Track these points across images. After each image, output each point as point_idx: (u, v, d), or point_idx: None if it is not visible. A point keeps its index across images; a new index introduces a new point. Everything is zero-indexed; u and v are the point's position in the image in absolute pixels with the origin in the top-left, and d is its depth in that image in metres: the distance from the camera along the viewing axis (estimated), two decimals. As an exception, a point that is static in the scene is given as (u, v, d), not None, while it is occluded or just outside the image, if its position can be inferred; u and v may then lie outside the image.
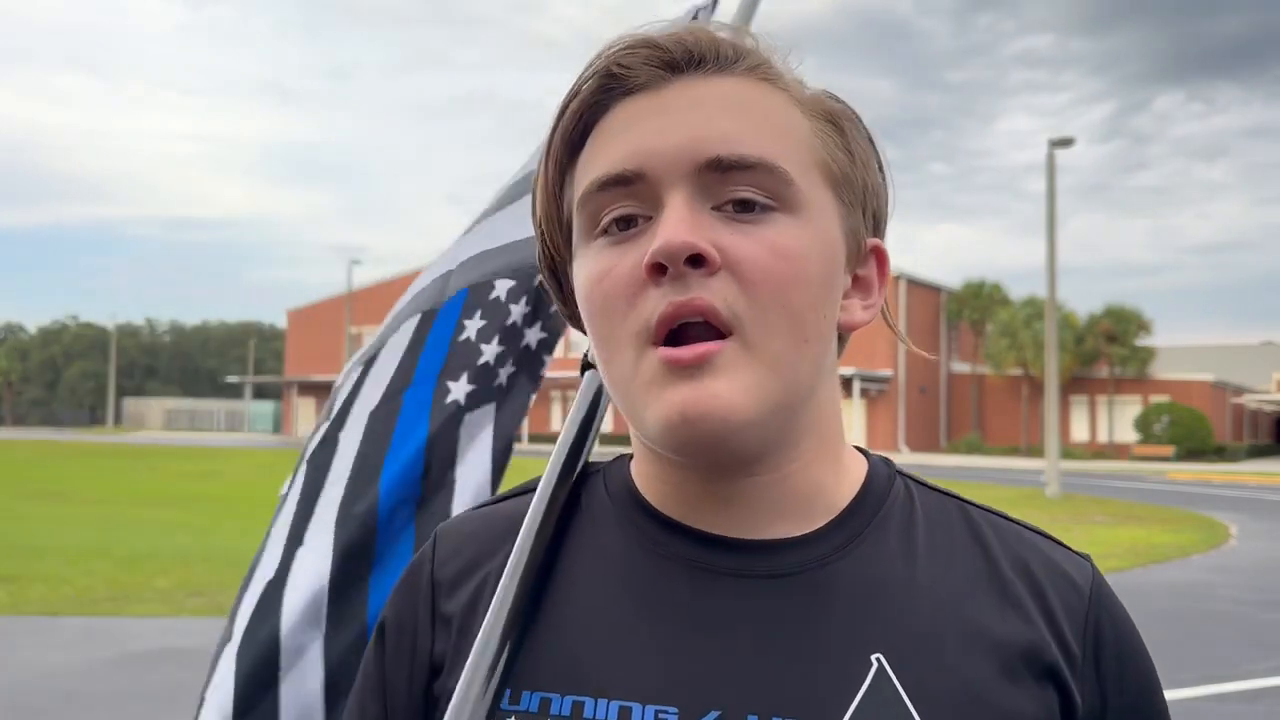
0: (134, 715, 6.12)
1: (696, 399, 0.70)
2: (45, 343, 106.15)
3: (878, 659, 0.73)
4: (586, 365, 0.94)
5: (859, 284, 0.81)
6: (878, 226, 0.82)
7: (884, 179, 0.82)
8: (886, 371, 46.46)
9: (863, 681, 0.72)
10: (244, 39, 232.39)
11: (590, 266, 0.76)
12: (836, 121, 0.79)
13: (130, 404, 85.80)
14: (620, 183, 0.74)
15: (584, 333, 0.83)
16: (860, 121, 0.81)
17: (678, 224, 0.70)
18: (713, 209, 0.73)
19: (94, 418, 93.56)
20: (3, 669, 6.99)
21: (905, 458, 43.28)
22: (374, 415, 1.69)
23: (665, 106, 0.75)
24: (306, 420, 63.60)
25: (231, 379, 72.31)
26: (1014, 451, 46.82)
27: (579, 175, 0.78)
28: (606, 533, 0.82)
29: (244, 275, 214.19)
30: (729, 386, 0.70)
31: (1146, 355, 48.38)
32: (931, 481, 0.86)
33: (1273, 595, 10.44)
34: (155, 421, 79.47)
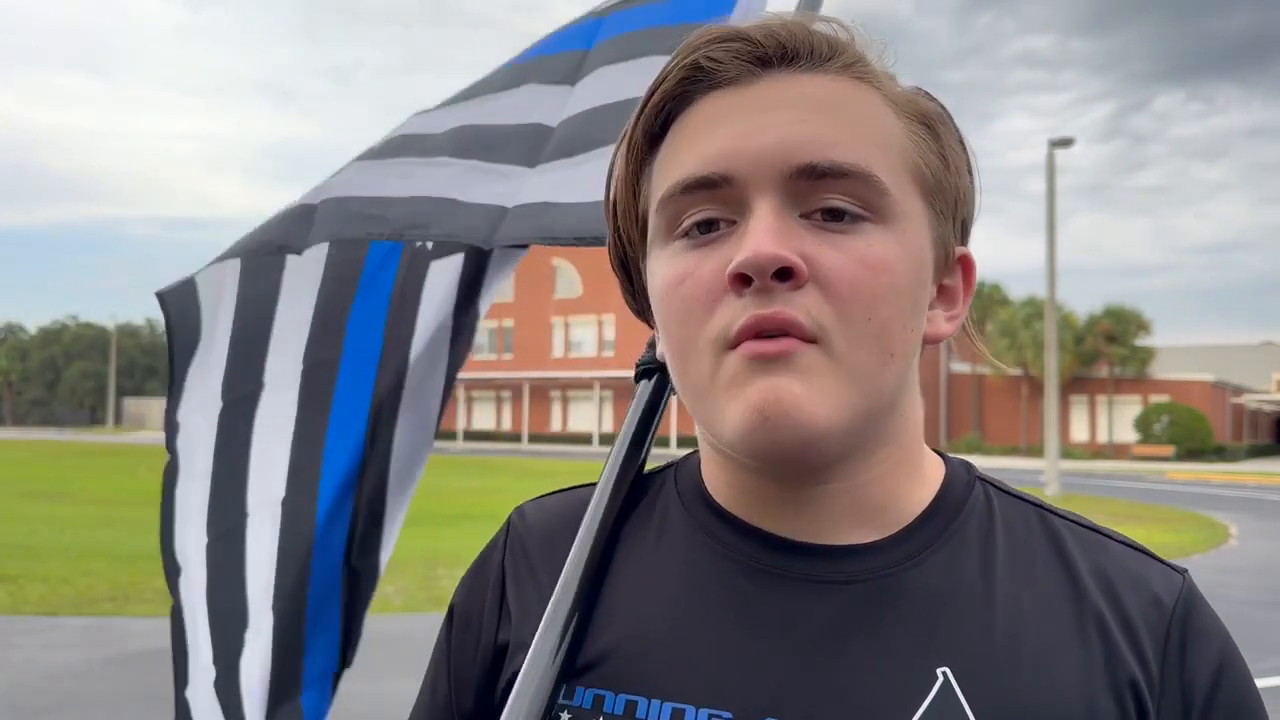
0: (134, 715, 6.12)
1: (777, 396, 0.67)
2: (45, 343, 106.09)
3: (944, 672, 0.70)
4: (641, 374, 0.93)
5: (944, 294, 0.78)
6: (965, 234, 0.79)
7: (973, 182, 0.79)
8: (886, 371, 46.40)
9: (927, 694, 0.69)
10: (244, 39, 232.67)
11: (669, 269, 0.73)
12: (930, 124, 0.76)
13: (130, 404, 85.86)
14: (705, 185, 0.71)
15: (652, 327, 0.82)
16: (952, 121, 0.78)
17: (765, 234, 0.68)
18: (801, 216, 0.70)
19: (94, 418, 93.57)
20: (3, 669, 6.99)
21: (905, 458, 43.17)
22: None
23: (755, 105, 0.71)
24: (306, 420, 63.37)
25: (231, 379, 72.10)
26: (1014, 451, 46.83)
27: (659, 171, 0.75)
28: (673, 530, 0.80)
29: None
30: (807, 390, 0.68)
31: (1146, 355, 48.41)
32: (1013, 487, 0.83)
33: (1273, 595, 10.44)
34: (155, 421, 79.42)
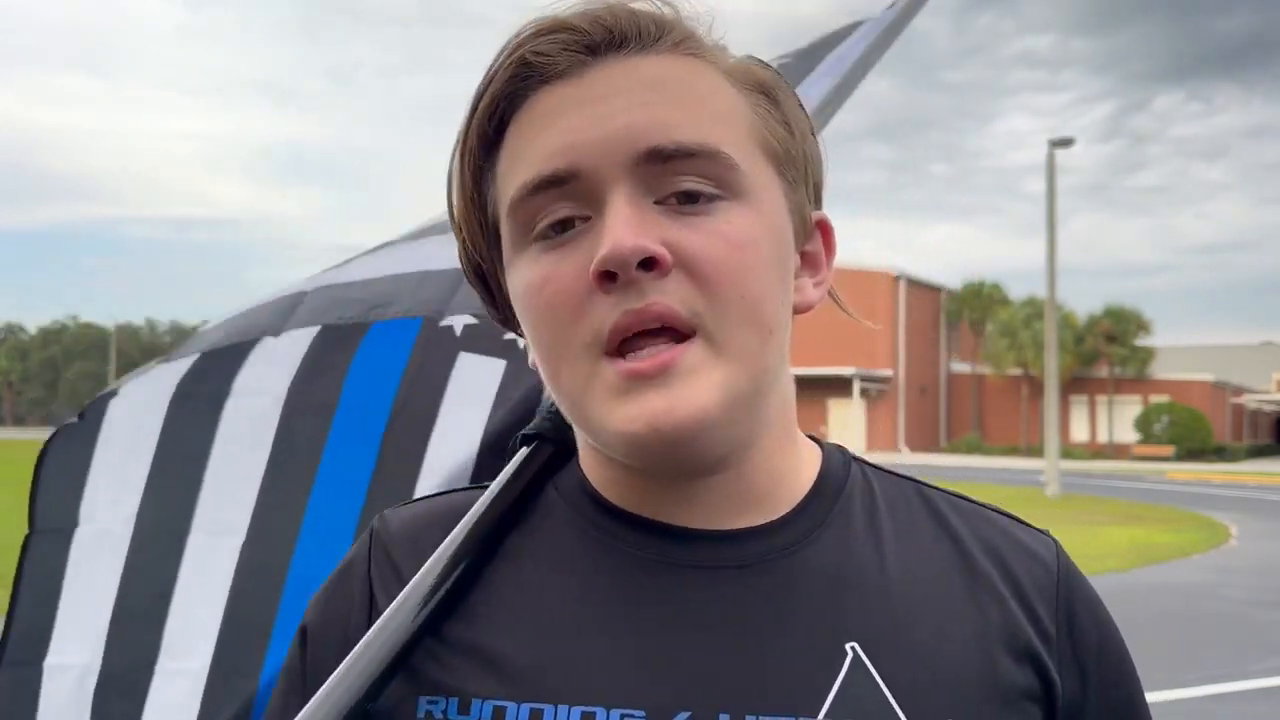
0: (133, 716, 6.10)
1: (668, 408, 0.66)
2: (45, 343, 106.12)
3: (853, 648, 0.70)
4: (522, 442, 0.84)
5: (807, 261, 0.78)
6: (818, 198, 0.79)
7: (818, 144, 0.79)
8: (886, 371, 46.49)
9: (838, 672, 0.69)
10: (244, 39, 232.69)
11: (528, 274, 0.71)
12: (770, 92, 0.75)
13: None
14: (554, 183, 0.69)
15: (520, 335, 0.78)
16: (790, 87, 0.77)
17: (624, 226, 0.66)
18: (656, 202, 0.68)
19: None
20: (2, 669, 6.97)
21: (905, 458, 43.30)
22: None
23: (590, 94, 0.69)
24: (306, 420, 63.43)
25: (231, 379, 72.13)
26: (1014, 451, 46.83)
27: (503, 176, 0.72)
28: (558, 530, 0.77)
29: (244, 275, 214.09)
30: (698, 390, 0.67)
31: (1146, 355, 48.43)
32: (886, 466, 0.84)
33: (1273, 595, 10.44)
34: (155, 421, 79.28)
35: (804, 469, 0.79)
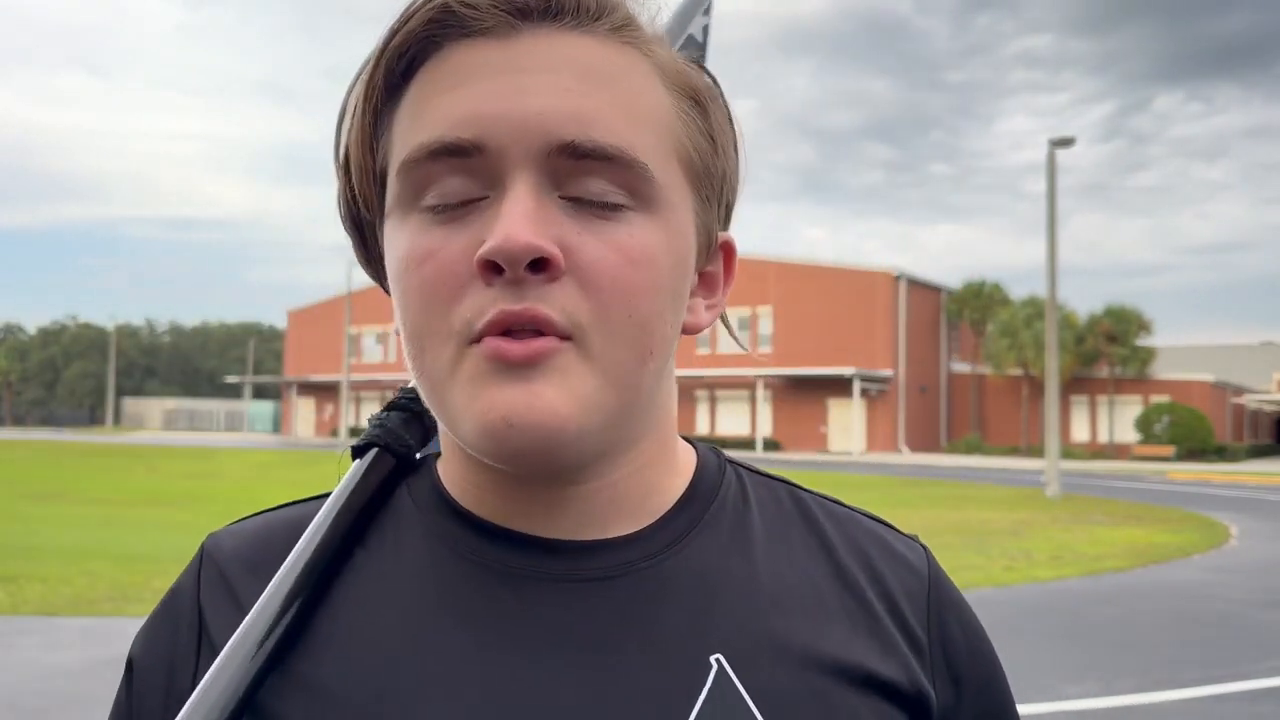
0: (133, 716, 6.11)
1: (527, 403, 0.61)
2: (45, 343, 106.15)
3: (717, 660, 0.67)
4: (364, 449, 0.77)
5: (705, 281, 0.73)
6: (727, 218, 0.74)
7: (739, 161, 0.73)
8: (887, 371, 46.46)
9: (703, 686, 0.66)
10: (244, 39, 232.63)
11: (409, 243, 0.65)
12: (700, 100, 0.70)
13: (130, 404, 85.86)
14: (454, 153, 0.63)
15: (388, 294, 0.72)
16: (720, 94, 0.72)
17: (521, 219, 0.61)
18: (560, 198, 0.63)
19: (93, 418, 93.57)
20: (2, 669, 6.98)
21: (905, 458, 43.30)
22: None
23: (512, 63, 0.63)
24: (306, 420, 63.65)
25: (231, 379, 72.35)
26: (1014, 451, 46.84)
27: (400, 127, 0.66)
28: (410, 542, 0.72)
29: (244, 275, 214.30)
30: (561, 394, 0.62)
31: (1147, 355, 48.41)
32: (762, 468, 0.81)
33: (1273, 595, 10.43)
34: (155, 422, 79.48)
35: (677, 475, 0.75)
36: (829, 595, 0.73)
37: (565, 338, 0.62)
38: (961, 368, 52.37)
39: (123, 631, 8.13)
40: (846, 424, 46.33)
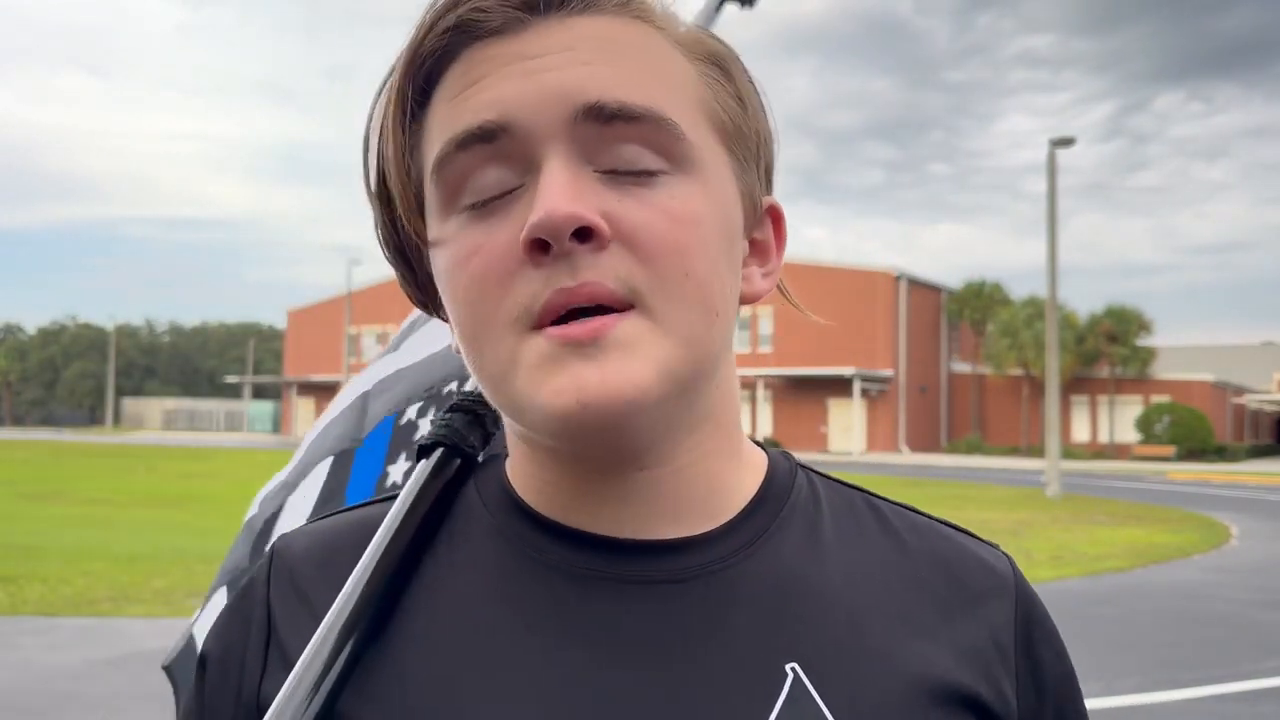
0: (133, 715, 6.11)
1: (600, 380, 0.60)
2: (44, 343, 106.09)
3: (793, 669, 0.65)
4: (430, 449, 0.77)
5: (756, 249, 0.72)
6: (769, 182, 0.72)
7: (770, 124, 0.72)
8: (887, 371, 46.46)
9: (778, 696, 0.64)
10: (244, 39, 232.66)
11: (454, 246, 0.64)
12: (722, 64, 0.69)
13: (129, 404, 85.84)
14: (482, 138, 0.62)
15: (442, 319, 0.73)
16: (741, 62, 0.71)
17: (560, 190, 0.60)
18: (595, 172, 0.62)
19: (93, 418, 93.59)
20: (2, 669, 6.98)
21: (905, 458, 43.31)
22: None
23: (527, 51, 0.63)
24: (305, 420, 63.60)
25: (231, 379, 72.46)
26: (1014, 451, 46.83)
27: (428, 137, 0.66)
28: (479, 543, 0.71)
29: (244, 275, 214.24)
30: (634, 363, 0.60)
31: (1147, 355, 48.42)
32: (835, 475, 0.79)
33: (1273, 595, 10.43)
34: (154, 422, 79.46)
35: (748, 473, 0.73)
36: (908, 605, 0.71)
37: (627, 307, 0.61)
38: (962, 368, 52.38)
39: (122, 631, 8.13)
40: (847, 424, 46.33)
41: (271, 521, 1.55)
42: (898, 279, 47.64)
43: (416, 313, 1.62)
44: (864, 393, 46.26)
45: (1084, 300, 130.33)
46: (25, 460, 32.01)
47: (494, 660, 0.65)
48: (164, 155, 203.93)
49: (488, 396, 0.68)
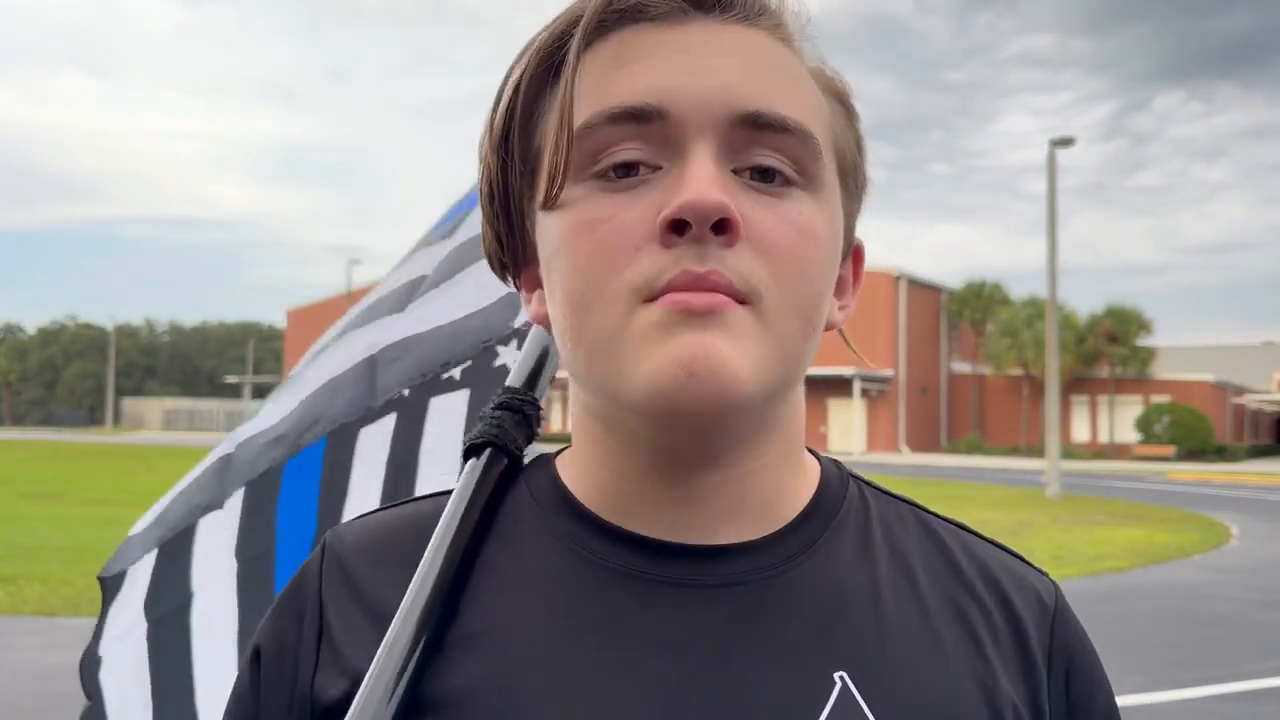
0: (133, 716, 6.11)
1: (706, 352, 0.61)
2: (44, 343, 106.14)
3: (841, 677, 0.66)
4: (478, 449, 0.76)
5: (839, 282, 0.73)
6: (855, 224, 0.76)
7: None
8: (887, 371, 46.45)
9: (826, 702, 0.65)
10: (244, 39, 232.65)
11: (580, 210, 0.64)
12: (845, 101, 0.72)
13: (129, 404, 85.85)
14: (637, 118, 0.63)
15: (518, 287, 0.75)
16: (854, 106, 0.74)
17: (710, 180, 0.61)
18: (733, 172, 0.64)
19: (93, 418, 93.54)
20: (2, 669, 6.98)
21: (905, 458, 43.30)
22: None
23: (687, 46, 0.65)
24: (306, 420, 63.48)
25: (230, 379, 72.52)
26: (1014, 451, 46.83)
27: (574, 104, 0.65)
28: (532, 542, 0.72)
29: (244, 275, 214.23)
30: (736, 349, 0.61)
31: (1147, 355, 48.42)
32: (885, 486, 0.80)
33: (1273, 595, 10.43)
34: (154, 422, 79.46)
35: (805, 482, 0.74)
36: (956, 618, 0.71)
37: (742, 302, 0.62)
38: (962, 368, 52.38)
39: (122, 632, 8.13)
40: (847, 424, 46.31)
41: (274, 476, 1.54)
42: (897, 279, 47.63)
43: (419, 272, 1.60)
44: (864, 393, 46.26)
45: (1084, 300, 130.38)
46: (25, 460, 32.00)
47: (545, 660, 0.66)
48: (164, 155, 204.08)
49: (580, 370, 0.68)
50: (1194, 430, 44.00)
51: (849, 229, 0.73)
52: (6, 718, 6.05)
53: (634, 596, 0.68)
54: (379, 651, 0.66)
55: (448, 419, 1.41)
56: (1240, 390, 55.47)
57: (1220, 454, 44.41)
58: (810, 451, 0.78)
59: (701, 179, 0.61)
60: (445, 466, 1.39)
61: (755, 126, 0.64)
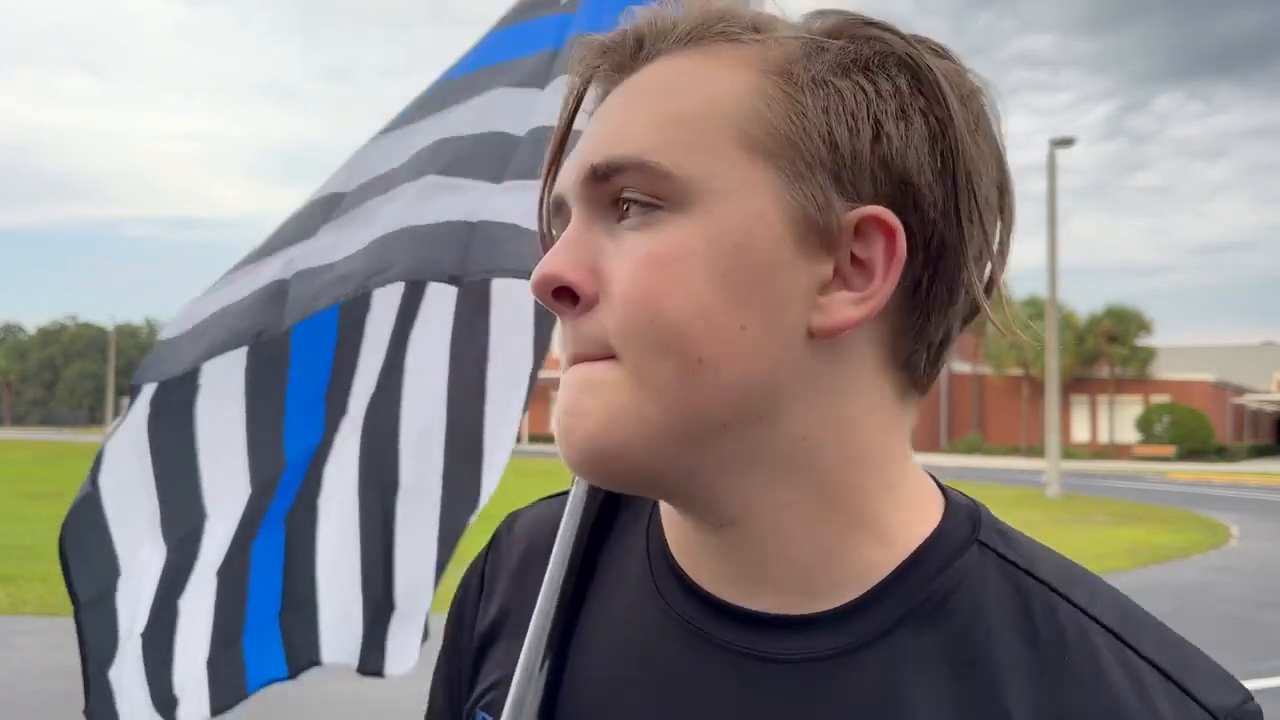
0: (133, 716, 6.11)
1: (564, 410, 0.62)
2: (44, 343, 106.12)
3: None
4: None
5: (854, 268, 0.61)
6: (878, 192, 0.60)
7: (920, 124, 0.62)
8: (886, 371, 46.42)
9: None
10: (244, 39, 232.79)
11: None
12: (795, 74, 0.61)
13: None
14: (556, 212, 0.67)
15: None
16: (889, 63, 0.62)
17: (553, 251, 0.62)
18: (616, 224, 0.62)
19: (93, 418, 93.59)
20: (2, 669, 6.98)
21: (905, 458, 43.18)
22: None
23: (604, 108, 0.66)
24: (306, 420, 63.44)
25: (231, 379, 72.22)
26: (1014, 451, 46.82)
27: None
28: (631, 575, 0.72)
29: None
30: (594, 403, 0.61)
31: (1147, 355, 48.44)
32: (1041, 554, 0.65)
33: (1273, 595, 10.43)
34: (155, 421, 79.30)
35: (880, 547, 0.63)
36: None
37: (610, 358, 0.62)
38: (962, 368, 52.36)
39: (122, 631, 8.13)
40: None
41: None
42: (898, 279, 47.57)
43: (331, 189, 1.63)
44: (864, 393, 46.21)
45: (1084, 300, 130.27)
46: (25, 460, 31.99)
47: (620, 707, 0.67)
48: (164, 155, 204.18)
49: None
50: (1194, 430, 44.01)
51: (802, 209, 0.60)
52: (6, 718, 6.05)
53: (686, 649, 0.66)
54: (516, 669, 0.71)
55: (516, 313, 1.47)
56: (1240, 390, 55.46)
57: (1220, 454, 44.41)
58: (947, 497, 0.67)
59: (552, 251, 0.63)
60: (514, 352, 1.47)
61: (598, 179, 0.62)
